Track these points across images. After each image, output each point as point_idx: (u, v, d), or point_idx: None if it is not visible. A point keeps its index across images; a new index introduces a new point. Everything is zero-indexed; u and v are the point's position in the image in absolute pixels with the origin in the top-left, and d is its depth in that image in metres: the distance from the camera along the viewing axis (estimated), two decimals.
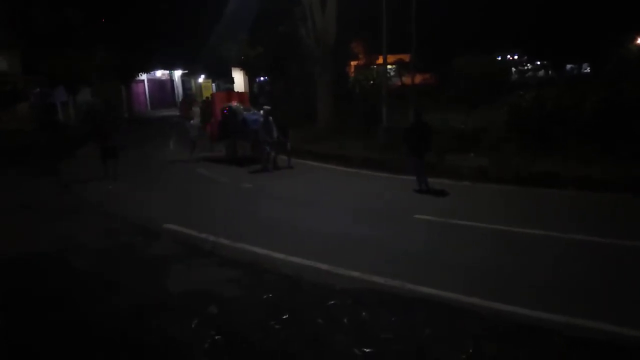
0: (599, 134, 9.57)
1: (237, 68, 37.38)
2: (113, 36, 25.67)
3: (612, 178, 8.59)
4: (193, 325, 4.38)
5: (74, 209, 8.95)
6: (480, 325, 4.22)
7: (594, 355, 3.79)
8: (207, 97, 30.04)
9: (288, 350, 3.97)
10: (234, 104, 13.55)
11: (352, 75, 21.49)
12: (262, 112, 12.32)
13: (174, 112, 30.44)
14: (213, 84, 43.01)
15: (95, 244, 6.85)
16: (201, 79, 42.19)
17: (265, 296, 4.94)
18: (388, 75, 17.84)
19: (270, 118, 11.99)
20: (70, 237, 7.17)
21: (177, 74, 40.77)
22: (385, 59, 14.12)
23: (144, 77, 35.59)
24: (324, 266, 5.67)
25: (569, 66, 21.33)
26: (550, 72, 20.88)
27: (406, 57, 20.24)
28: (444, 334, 4.14)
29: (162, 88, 39.75)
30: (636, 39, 20.24)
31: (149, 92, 37.81)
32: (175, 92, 40.99)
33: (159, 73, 38.25)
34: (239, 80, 40.48)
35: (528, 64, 23.31)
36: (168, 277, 5.56)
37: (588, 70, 20.59)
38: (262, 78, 36.54)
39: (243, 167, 12.53)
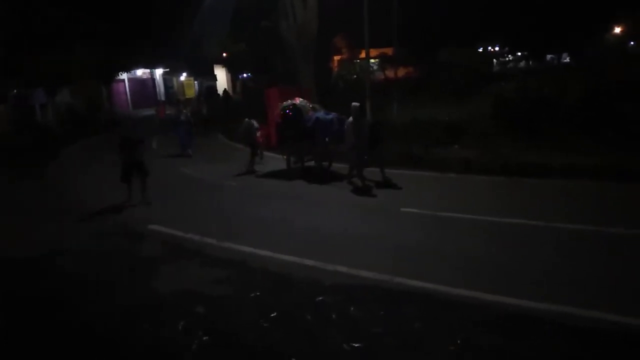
0: (582, 122, 9.70)
1: (219, 65, 37.09)
2: (92, 35, 25.17)
3: (597, 166, 8.69)
4: (181, 326, 4.31)
5: (57, 211, 8.78)
6: (470, 317, 4.23)
7: (584, 342, 3.82)
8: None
9: (278, 348, 3.93)
10: (297, 101, 10.69)
11: (336, 70, 21.48)
12: (335, 112, 10.08)
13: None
14: (195, 82, 42.57)
15: (80, 246, 6.73)
16: (183, 77, 41.72)
17: (253, 295, 4.89)
18: (371, 69, 17.84)
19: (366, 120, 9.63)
20: (55, 240, 7.04)
21: (159, 72, 40.21)
22: (367, 53, 14.11)
23: (124, 76, 34.98)
24: (311, 262, 5.63)
25: (549, 56, 21.61)
26: (531, 62, 21.13)
27: (389, 51, 20.31)
28: (434, 326, 4.15)
29: (144, 87, 39.13)
30: (613, 29, 20.59)
31: (130, 91, 37.20)
32: (157, 91, 40.42)
33: (140, 72, 37.64)
34: (221, 77, 40.19)
35: (509, 55, 23.55)
36: (154, 279, 5.47)
37: (568, 60, 20.89)
38: (244, 75, 36.28)
39: (326, 184, 9.69)
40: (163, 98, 35.95)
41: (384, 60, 28.56)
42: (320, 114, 10.22)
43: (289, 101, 10.69)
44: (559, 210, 7.15)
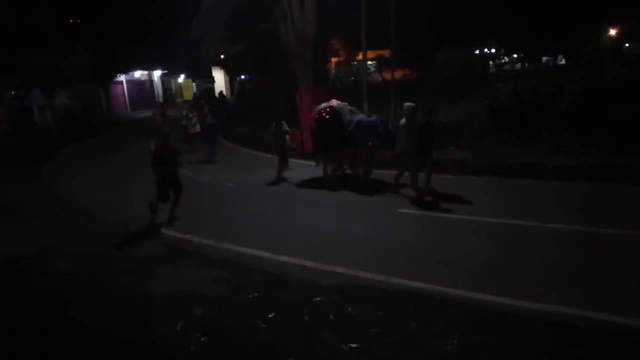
0: (577, 123, 9.76)
1: (217, 67, 37.11)
2: (90, 36, 25.17)
3: (592, 166, 8.73)
4: (179, 327, 4.34)
5: (56, 211, 8.79)
6: (467, 317, 4.27)
7: (576, 341, 3.85)
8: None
9: (275, 348, 3.95)
10: (335, 103, 9.70)
11: (333, 71, 21.53)
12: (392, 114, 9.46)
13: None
14: (193, 84, 42.61)
15: (78, 247, 6.74)
16: (181, 78, 41.77)
17: (251, 295, 4.91)
18: (368, 71, 17.89)
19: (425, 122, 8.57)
20: (54, 240, 7.06)
21: (157, 74, 40.23)
22: (365, 55, 14.14)
23: (122, 78, 34.98)
24: (309, 263, 5.66)
25: (544, 58, 21.71)
26: (526, 64, 21.24)
27: (386, 53, 20.37)
28: (431, 326, 4.18)
29: (142, 89, 39.16)
30: (608, 31, 20.70)
31: (128, 93, 37.21)
32: (155, 92, 40.44)
33: (138, 74, 37.65)
34: (219, 79, 40.21)
35: (505, 57, 23.66)
36: (152, 279, 5.49)
37: (563, 62, 21.00)
38: (242, 77, 36.30)
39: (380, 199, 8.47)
40: (161, 99, 35.94)
41: (381, 62, 28.66)
42: (362, 116, 9.41)
43: (325, 103, 9.73)
44: (553, 210, 7.19)
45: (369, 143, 9.14)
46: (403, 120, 8.17)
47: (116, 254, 6.46)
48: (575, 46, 17.51)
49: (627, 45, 21.93)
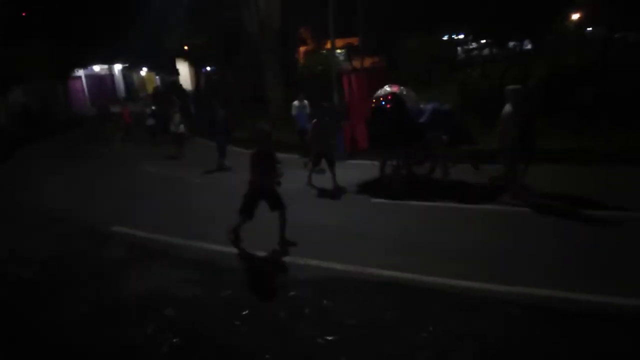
0: (543, 107, 9.92)
1: (181, 59, 36.15)
2: (45, 30, 24.00)
3: (561, 150, 8.87)
4: (150, 330, 4.15)
5: (16, 215, 8.38)
6: (442, 304, 4.26)
7: (548, 322, 3.87)
8: (155, 87, 28.76)
9: (250, 346, 3.83)
10: (397, 89, 8.16)
11: (302, 61, 21.28)
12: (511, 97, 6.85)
13: (117, 109, 29.11)
14: (157, 77, 41.48)
15: (40, 251, 6.40)
16: (143, 72, 40.57)
17: (223, 293, 4.76)
18: (338, 59, 17.76)
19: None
20: (15, 245, 6.72)
21: (117, 68, 38.91)
22: (333, 44, 13.96)
23: (81, 73, 33.65)
24: (282, 258, 5.55)
25: (511, 43, 22.14)
26: (494, 49, 21.63)
27: (355, 41, 20.22)
28: (408, 314, 4.14)
29: (102, 84, 37.78)
30: (570, 15, 21.27)
31: (88, 88, 35.82)
32: (117, 87, 39.13)
33: (97, 68, 36.29)
34: (184, 71, 39.21)
35: (473, 43, 24.00)
36: (121, 282, 5.25)
37: (529, 46, 21.48)
38: (208, 68, 35.49)
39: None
40: (124, 94, 34.81)
41: (350, 50, 28.55)
42: (435, 104, 8.04)
43: (386, 88, 8.19)
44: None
45: (444, 137, 7.74)
46: (508, 108, 6.79)
47: (80, 257, 6.15)
48: (540, 31, 17.91)
49: (589, 29, 22.59)
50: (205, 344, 3.92)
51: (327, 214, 7.13)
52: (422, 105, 8.13)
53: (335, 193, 8.26)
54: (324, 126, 8.56)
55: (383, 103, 8.00)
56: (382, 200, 7.55)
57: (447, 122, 7.77)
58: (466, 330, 3.81)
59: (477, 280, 4.59)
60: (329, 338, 3.83)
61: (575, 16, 22.18)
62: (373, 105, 8.15)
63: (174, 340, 3.96)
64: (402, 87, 8.26)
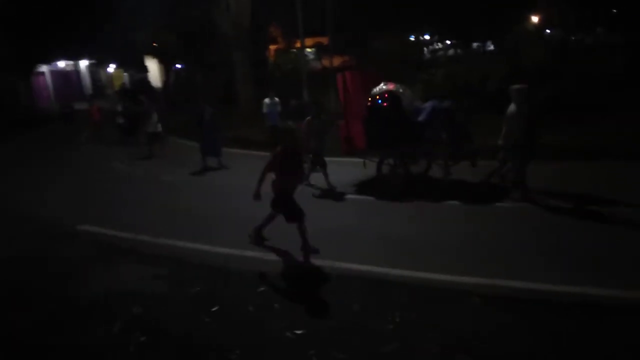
0: (503, 105, 10.28)
1: (150, 56, 35.42)
2: (5, 24, 23.07)
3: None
4: (117, 328, 4.13)
5: None
6: (407, 295, 4.41)
7: (509, 312, 4.06)
8: (122, 83, 27.98)
9: (221, 342, 3.88)
10: (392, 87, 8.01)
11: (272, 59, 21.28)
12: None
13: (83, 106, 28.31)
14: (125, 74, 40.49)
15: (3, 250, 6.24)
16: (111, 69, 39.54)
17: (192, 290, 4.78)
18: (308, 58, 17.86)
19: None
20: None
21: (84, 64, 37.77)
22: (303, 42, 14.08)
23: (44, 69, 32.50)
24: (251, 254, 5.60)
25: (475, 44, 22.81)
26: (458, 50, 22.22)
27: (325, 40, 20.37)
28: (374, 306, 4.28)
29: (68, 80, 36.59)
30: (530, 18, 22.12)
31: (52, 85, 34.64)
32: (83, 84, 37.99)
33: (62, 64, 35.12)
34: (154, 69, 38.43)
35: (439, 44, 24.57)
36: (87, 281, 5.19)
37: (492, 47, 22.19)
38: (178, 66, 34.92)
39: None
40: (90, 91, 33.84)
41: (320, 50, 28.70)
42: (434, 102, 7.89)
43: (382, 86, 8.02)
44: (476, 190, 7.50)
45: (443, 135, 7.59)
46: (513, 108, 6.80)
47: (47, 257, 6.02)
48: (502, 32, 18.54)
49: (547, 31, 23.55)
50: (173, 341, 3.93)
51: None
52: (417, 103, 8.06)
53: (329, 192, 8.28)
54: (319, 123, 8.50)
55: (379, 101, 7.84)
56: (354, 197, 7.68)
57: (446, 119, 7.61)
58: (432, 321, 3.96)
59: (451, 274, 4.72)
60: (298, 332, 3.90)
61: (534, 19, 23.08)
62: (369, 103, 7.99)
63: (142, 338, 3.95)
64: (398, 85, 8.10)
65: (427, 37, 26.29)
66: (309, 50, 22.50)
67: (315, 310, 4.27)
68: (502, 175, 7.29)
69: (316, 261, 5.29)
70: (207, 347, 3.82)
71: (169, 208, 7.92)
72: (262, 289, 4.72)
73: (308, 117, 8.62)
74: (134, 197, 8.82)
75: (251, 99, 16.60)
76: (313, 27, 15.41)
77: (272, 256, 5.50)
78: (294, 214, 5.41)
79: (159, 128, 12.87)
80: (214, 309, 4.36)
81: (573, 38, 16.89)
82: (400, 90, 7.93)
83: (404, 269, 4.90)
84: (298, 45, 18.26)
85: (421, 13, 19.63)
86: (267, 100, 12.82)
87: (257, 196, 5.40)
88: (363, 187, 8.32)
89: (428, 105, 7.81)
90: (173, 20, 24.57)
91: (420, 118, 7.69)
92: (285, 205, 5.45)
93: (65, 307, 4.64)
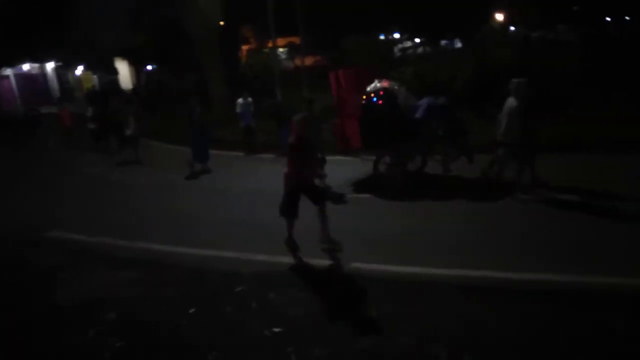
0: (471, 101, 10.58)
1: (120, 58, 34.71)
2: None
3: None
4: (91, 335, 4.08)
5: None
6: (381, 288, 4.51)
7: (475, 300, 4.20)
8: (92, 86, 27.17)
9: (198, 343, 3.89)
10: (387, 84, 7.92)
11: (245, 59, 21.19)
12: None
13: (51, 110, 27.47)
14: (94, 76, 39.47)
15: None
16: (79, 71, 38.50)
17: (169, 293, 4.76)
18: (280, 58, 17.87)
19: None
20: None
21: (50, 66, 36.67)
22: (275, 42, 14.10)
23: (8, 72, 31.45)
24: (228, 254, 5.61)
25: (443, 42, 23.31)
26: (427, 48, 22.66)
27: (297, 40, 20.42)
28: (350, 300, 4.38)
29: (34, 83, 35.48)
30: (494, 16, 22.78)
31: (17, 88, 33.53)
32: (50, 87, 36.90)
33: (28, 66, 34.04)
34: (124, 70, 37.64)
35: (408, 42, 24.98)
36: (61, 288, 5.09)
37: (460, 45, 22.71)
38: (149, 67, 34.33)
39: None
40: (58, 94, 32.84)
41: (292, 49, 28.70)
42: (430, 98, 7.77)
43: (376, 83, 7.88)
44: (450, 186, 7.69)
45: (440, 132, 7.53)
46: (513, 102, 6.63)
47: (17, 264, 5.89)
48: (469, 30, 19.02)
49: (512, 28, 24.25)
50: (150, 346, 3.91)
51: (273, 208, 7.22)
52: (411, 101, 7.94)
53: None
54: (312, 121, 8.41)
55: (374, 99, 7.73)
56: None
57: (442, 116, 7.58)
58: (407, 313, 4.06)
59: (412, 265, 4.88)
60: (276, 330, 3.94)
61: (499, 17, 23.74)
62: (363, 102, 7.88)
63: (117, 344, 3.91)
64: (392, 82, 8.02)
65: (396, 35, 26.69)
66: (281, 50, 22.49)
67: (294, 307, 4.30)
68: (498, 171, 7.15)
69: (293, 259, 5.35)
70: (184, 350, 3.82)
71: (145, 212, 7.84)
72: (239, 288, 4.73)
73: (299, 115, 8.53)
74: (108, 202, 8.69)
75: (224, 99, 16.51)
76: (285, 26, 15.43)
77: (249, 255, 5.51)
78: (288, 210, 5.37)
79: (136, 131, 12.51)
80: (190, 311, 4.35)
81: (535, 35, 17.45)
82: (396, 88, 7.85)
83: (381, 264, 5.00)
84: (270, 45, 18.25)
85: (390, 12, 19.91)
86: (240, 100, 12.79)
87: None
88: (360, 186, 8.19)
89: (423, 102, 7.72)
90: (142, 21, 24.17)
91: (417, 115, 7.60)
92: (287, 199, 5.37)
93: (35, 314, 4.56)
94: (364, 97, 7.88)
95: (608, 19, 20.33)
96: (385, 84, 7.86)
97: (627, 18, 20.58)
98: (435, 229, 6.01)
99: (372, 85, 7.90)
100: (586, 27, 16.70)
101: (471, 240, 5.55)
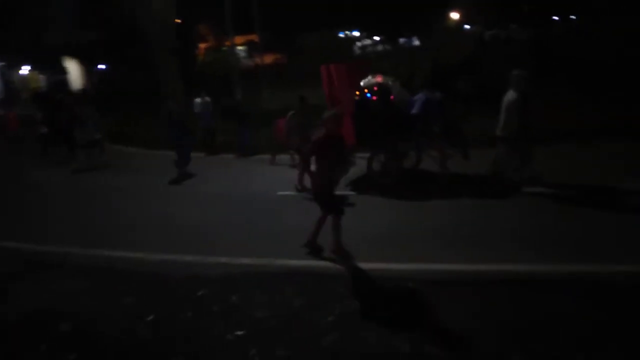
0: None
1: (69, 56, 33.24)
2: None
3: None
4: (43, 349, 3.86)
5: None
6: (345, 286, 4.52)
7: (437, 292, 4.26)
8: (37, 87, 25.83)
9: (158, 351, 3.76)
10: (380, 79, 7.74)
11: (202, 58, 20.77)
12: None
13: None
14: (41, 76, 37.65)
15: None
16: (25, 70, 36.61)
17: (126, 300, 4.58)
18: (239, 56, 17.62)
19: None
20: None
21: None
22: (232, 40, 13.87)
23: None
24: (189, 257, 5.48)
25: (401, 40, 23.75)
26: (386, 46, 23.02)
27: (256, 38, 20.22)
28: (314, 300, 4.33)
29: None
30: (449, 14, 23.52)
31: None
32: None
33: None
34: (73, 70, 36.06)
35: (368, 40, 25.29)
36: (10, 300, 4.82)
37: (417, 42, 23.23)
38: (102, 66, 33.07)
39: None
40: (2, 95, 31.04)
41: (251, 47, 28.41)
42: (425, 94, 7.47)
43: (370, 79, 7.66)
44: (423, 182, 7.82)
45: (435, 128, 7.35)
46: (512, 95, 6.44)
47: None
48: (425, 29, 19.47)
49: (467, 26, 25.05)
50: (107, 357, 3.76)
51: (234, 208, 7.12)
52: (405, 96, 7.76)
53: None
54: (304, 119, 8.09)
55: (368, 95, 7.51)
56: (287, 193, 7.69)
57: (439, 112, 7.38)
58: (367, 313, 4.07)
59: (375, 261, 4.90)
60: (239, 333, 3.86)
61: (455, 16, 24.47)
62: (357, 97, 7.64)
63: (71, 356, 3.72)
64: (386, 77, 7.85)
65: (356, 33, 26.94)
66: (240, 47, 22.17)
67: (256, 309, 4.23)
68: (503, 169, 6.96)
69: (255, 260, 5.27)
70: (144, 359, 3.69)
71: (100, 218, 7.53)
72: (200, 293, 4.61)
73: (291, 112, 8.23)
74: (60, 209, 8.28)
75: (179, 98, 16.10)
76: (243, 24, 15.22)
77: (211, 258, 5.40)
78: (336, 208, 5.08)
79: (97, 135, 11.69)
80: (149, 318, 4.20)
81: (489, 33, 18.09)
82: (390, 83, 7.66)
83: (342, 263, 5.00)
84: (228, 43, 17.97)
85: (349, 10, 20.08)
86: (198, 100, 12.48)
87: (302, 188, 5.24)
88: (355, 185, 7.91)
89: (419, 97, 7.48)
90: (91, 19, 23.23)
91: (414, 111, 7.40)
92: (327, 203, 5.09)
93: None
94: (357, 92, 7.66)
95: (556, 17, 21.41)
96: (379, 78, 7.69)
97: (572, 17, 21.74)
98: (435, 225, 5.92)
99: (366, 80, 7.71)
100: (536, 26, 17.45)
101: (476, 234, 5.47)
